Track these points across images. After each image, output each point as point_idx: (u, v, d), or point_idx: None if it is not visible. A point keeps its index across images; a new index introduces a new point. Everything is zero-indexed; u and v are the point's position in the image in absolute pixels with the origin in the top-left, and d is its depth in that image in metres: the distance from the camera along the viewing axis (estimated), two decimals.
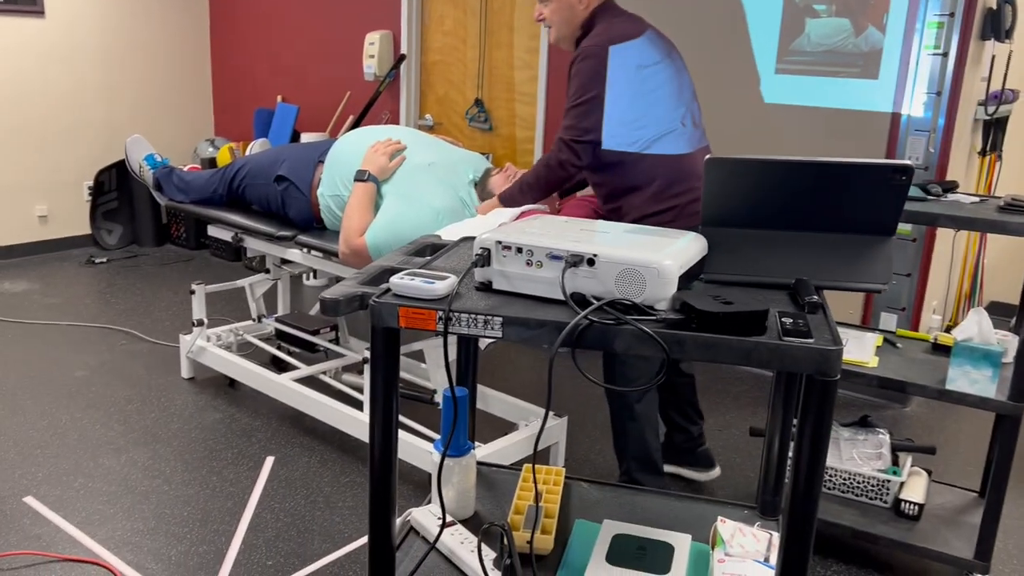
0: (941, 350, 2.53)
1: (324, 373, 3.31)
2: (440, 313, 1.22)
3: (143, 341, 3.96)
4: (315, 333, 3.44)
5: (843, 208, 1.33)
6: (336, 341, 3.51)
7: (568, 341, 1.16)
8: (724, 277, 1.39)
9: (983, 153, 3.77)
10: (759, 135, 3.76)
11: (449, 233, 2.52)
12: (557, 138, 2.49)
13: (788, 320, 1.19)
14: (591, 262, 1.24)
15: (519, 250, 1.29)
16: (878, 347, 2.54)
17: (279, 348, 3.64)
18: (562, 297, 1.25)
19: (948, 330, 3.98)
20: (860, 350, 2.47)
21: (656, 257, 1.21)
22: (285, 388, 3.11)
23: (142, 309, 4.40)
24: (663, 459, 2.80)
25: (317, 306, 3.81)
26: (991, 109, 3.61)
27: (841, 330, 2.66)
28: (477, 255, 1.31)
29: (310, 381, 3.25)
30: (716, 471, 2.92)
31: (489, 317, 1.20)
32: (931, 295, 3.68)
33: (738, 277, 1.38)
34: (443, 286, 1.26)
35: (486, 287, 1.33)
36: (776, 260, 1.37)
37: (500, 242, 1.30)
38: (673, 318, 1.17)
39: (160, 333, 4.06)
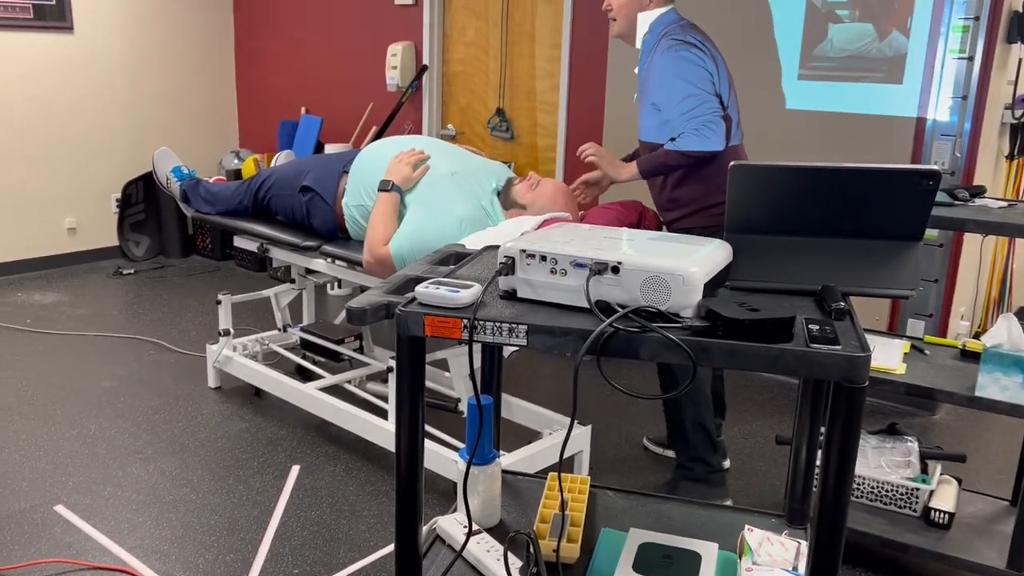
0: (970, 356, 2.50)
1: (349, 382, 3.33)
2: (465, 321, 1.22)
3: (170, 351, 4.00)
4: (340, 342, 3.46)
5: (869, 214, 1.32)
6: (360, 350, 3.52)
7: (593, 349, 1.16)
8: (750, 284, 1.38)
9: (1011, 157, 3.73)
10: (783, 141, 3.74)
11: (472, 242, 2.54)
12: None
13: (815, 326, 1.18)
14: (615, 270, 1.24)
15: (543, 258, 1.29)
16: (905, 354, 2.51)
17: (304, 357, 3.66)
18: (587, 305, 1.25)
19: (977, 336, 3.93)
20: (887, 357, 2.45)
21: (681, 264, 1.21)
22: (310, 397, 3.13)
23: (169, 320, 4.45)
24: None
25: (342, 315, 3.84)
26: (1018, 113, 3.57)
27: (869, 337, 2.64)
28: (501, 263, 1.32)
29: (335, 390, 3.27)
30: (726, 462, 3.02)
31: (514, 325, 1.21)
32: (959, 301, 3.64)
33: (764, 284, 1.38)
34: (468, 295, 1.26)
35: (510, 295, 1.33)
36: (802, 266, 1.37)
37: (524, 250, 1.30)
38: (699, 325, 1.17)
39: (187, 343, 4.11)
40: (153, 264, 5.51)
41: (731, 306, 1.18)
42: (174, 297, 4.85)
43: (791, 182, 1.32)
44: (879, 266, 1.35)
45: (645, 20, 2.72)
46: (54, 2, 4.98)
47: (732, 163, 1.34)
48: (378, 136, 5.00)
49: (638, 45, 2.76)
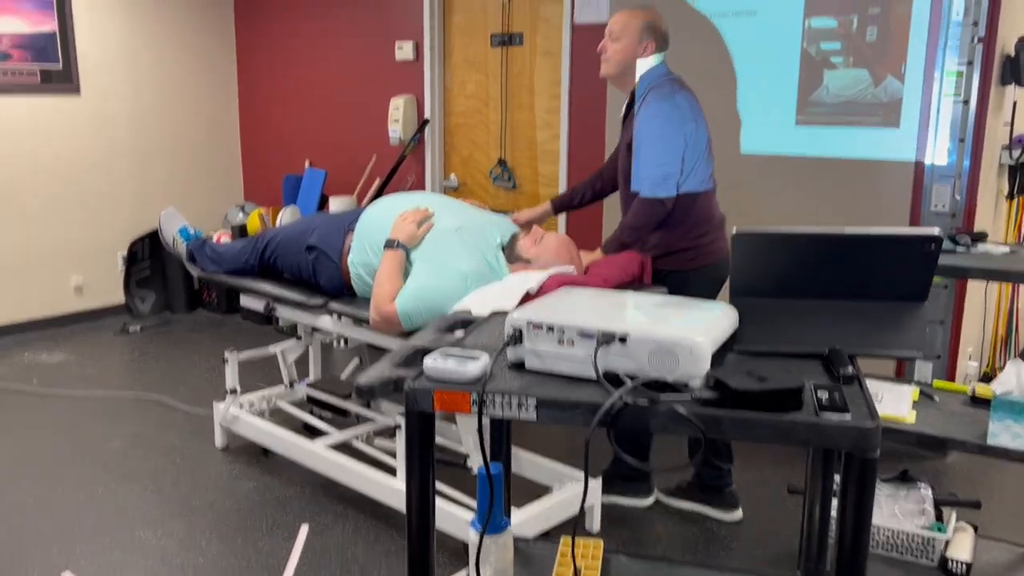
0: (980, 402, 2.49)
1: (356, 438, 3.32)
2: (474, 395, 1.23)
3: (177, 410, 3.99)
4: (347, 397, 3.45)
5: (873, 277, 1.33)
6: (368, 405, 3.52)
7: (604, 422, 1.16)
8: (757, 348, 1.39)
9: (1011, 197, 3.75)
10: (784, 186, 3.77)
11: (477, 297, 2.54)
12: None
13: (824, 394, 1.18)
14: (623, 340, 1.24)
15: (550, 329, 1.30)
16: (915, 401, 2.50)
17: (311, 413, 3.65)
18: (595, 376, 1.25)
19: (986, 376, 3.91)
20: (897, 405, 2.44)
21: (689, 334, 1.21)
22: (318, 456, 3.12)
23: (175, 377, 4.45)
24: (689, 496, 3.08)
25: (348, 369, 3.84)
26: (1016, 153, 3.60)
27: (877, 383, 2.63)
28: (509, 335, 1.32)
29: (343, 447, 3.25)
30: (739, 513, 3.05)
31: (523, 399, 1.21)
32: (966, 341, 3.63)
33: (771, 347, 1.38)
34: (476, 367, 1.27)
35: (519, 366, 1.34)
36: (808, 329, 1.37)
37: (531, 321, 1.31)
38: (708, 397, 1.17)
39: (194, 401, 4.10)
40: (159, 320, 5.52)
41: (740, 375, 1.19)
42: (180, 353, 4.86)
43: (794, 248, 1.33)
44: (885, 328, 1.35)
45: (637, 70, 2.87)
46: (60, 67, 5.07)
47: (736, 231, 1.35)
48: (382, 188, 5.04)
49: (625, 91, 2.92)
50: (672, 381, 1.21)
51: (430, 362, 1.28)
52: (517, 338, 1.32)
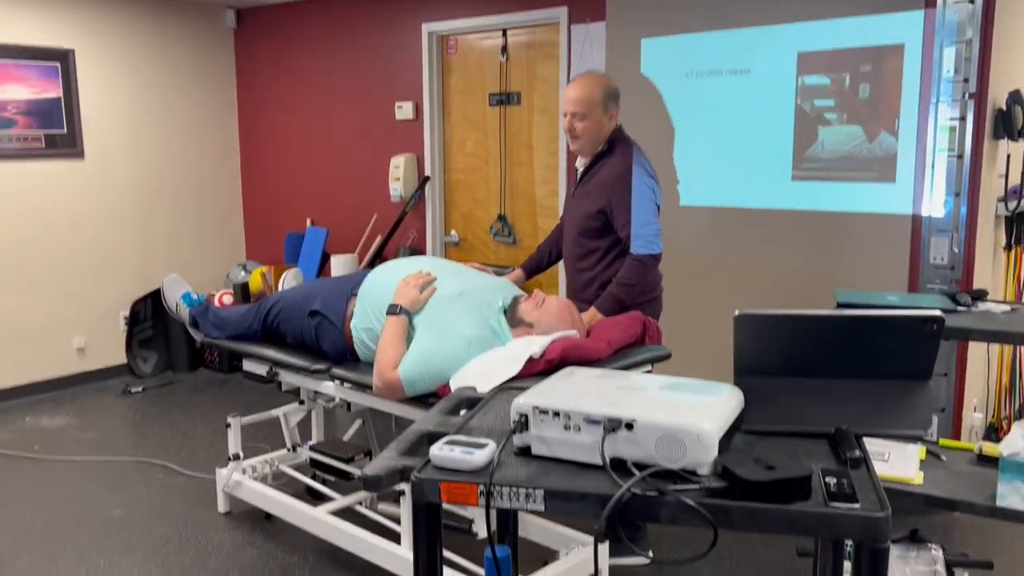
0: (987, 461, 2.47)
1: (360, 503, 3.29)
2: (481, 487, 1.22)
3: (179, 475, 3.97)
4: (350, 460, 3.43)
5: (876, 356, 1.34)
6: None
7: (612, 515, 1.16)
8: (763, 427, 1.39)
9: (1008, 248, 3.77)
10: (783, 240, 3.79)
11: (480, 364, 2.54)
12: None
13: (832, 480, 1.18)
14: (630, 427, 1.25)
15: (556, 414, 1.30)
16: (922, 460, 2.49)
17: (314, 477, 3.62)
18: (601, 463, 1.25)
19: (991, 427, 3.89)
20: (904, 466, 2.42)
21: (695, 421, 1.21)
22: (321, 523, 3.09)
23: (178, 440, 4.43)
24: None
25: (351, 431, 3.82)
26: (1012, 205, 3.63)
27: (883, 443, 2.61)
28: (515, 421, 1.32)
29: (346, 512, 3.22)
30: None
31: (531, 490, 1.21)
32: (970, 393, 3.62)
33: (777, 427, 1.38)
34: (482, 456, 1.27)
35: (525, 451, 1.34)
36: (814, 409, 1.37)
37: (537, 407, 1.31)
38: (716, 486, 1.17)
39: (196, 464, 4.07)
40: (161, 380, 5.51)
41: (747, 463, 1.18)
42: (183, 416, 4.83)
43: (796, 328, 1.34)
44: (890, 406, 1.35)
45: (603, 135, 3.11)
46: (65, 132, 5.14)
47: (738, 312, 1.36)
48: (383, 245, 5.07)
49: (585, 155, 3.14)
50: (680, 469, 1.21)
51: (436, 451, 1.28)
52: (523, 424, 1.32)
